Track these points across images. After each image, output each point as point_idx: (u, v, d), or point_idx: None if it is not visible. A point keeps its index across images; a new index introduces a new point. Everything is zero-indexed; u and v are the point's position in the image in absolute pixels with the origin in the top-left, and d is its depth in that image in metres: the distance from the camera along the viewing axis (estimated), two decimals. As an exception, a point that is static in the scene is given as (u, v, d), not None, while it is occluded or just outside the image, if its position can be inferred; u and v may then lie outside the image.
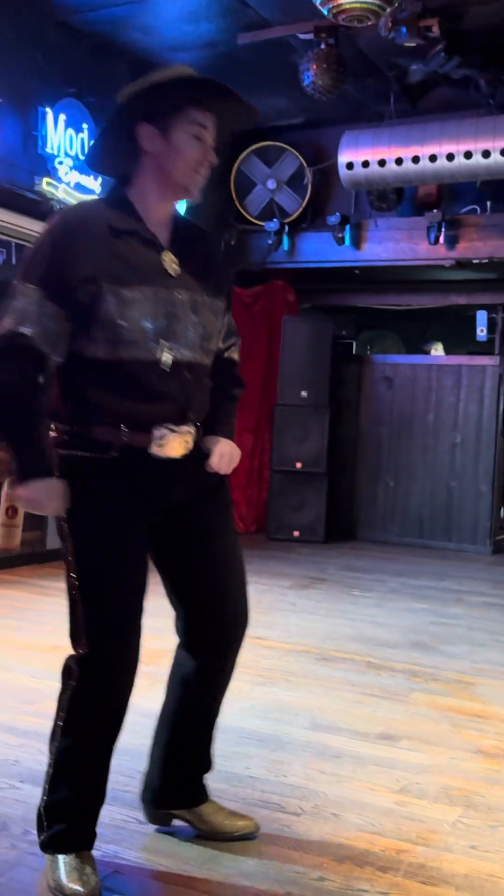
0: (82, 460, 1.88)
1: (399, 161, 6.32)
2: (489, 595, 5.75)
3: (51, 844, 1.98)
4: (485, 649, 4.29)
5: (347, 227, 7.32)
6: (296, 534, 7.62)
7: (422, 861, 2.17)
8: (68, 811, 1.98)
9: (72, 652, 1.97)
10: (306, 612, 4.95)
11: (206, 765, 2.25)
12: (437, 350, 8.79)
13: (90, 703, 1.95)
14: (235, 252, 7.77)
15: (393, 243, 7.37)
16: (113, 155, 1.94)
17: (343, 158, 6.55)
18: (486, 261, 7.13)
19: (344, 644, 4.22)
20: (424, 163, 6.23)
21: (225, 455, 2.07)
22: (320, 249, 7.58)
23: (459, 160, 6.12)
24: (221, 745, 2.83)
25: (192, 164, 1.90)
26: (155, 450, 1.91)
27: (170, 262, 1.92)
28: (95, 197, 2.17)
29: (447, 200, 7.31)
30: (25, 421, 1.81)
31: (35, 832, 2.06)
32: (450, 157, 6.14)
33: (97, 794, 2.02)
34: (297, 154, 7.44)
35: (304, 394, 7.66)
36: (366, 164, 6.44)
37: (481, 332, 8.02)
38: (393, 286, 8.38)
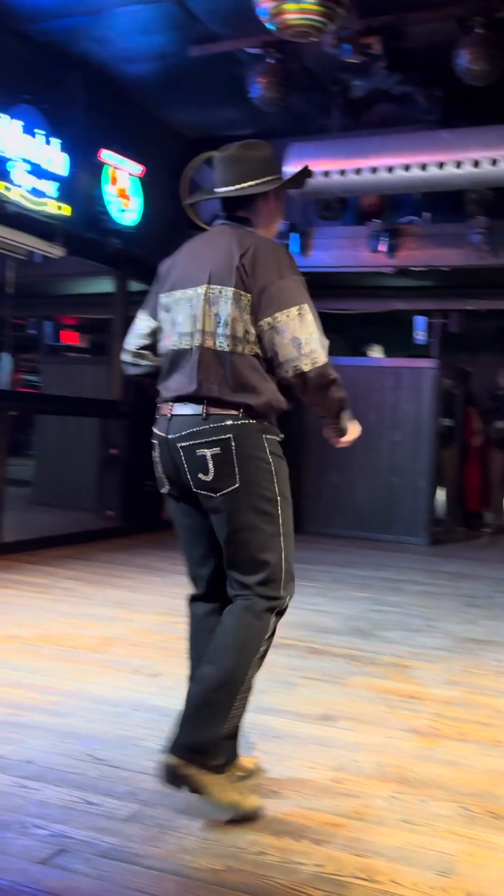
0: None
1: (343, 172, 6.36)
2: (425, 584, 5.83)
3: (224, 766, 2.19)
4: (420, 635, 4.34)
5: (294, 235, 7.35)
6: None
7: (356, 835, 2.19)
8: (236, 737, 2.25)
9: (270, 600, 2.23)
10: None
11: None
12: (375, 353, 8.88)
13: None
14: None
15: (337, 251, 7.42)
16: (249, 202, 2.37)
17: (289, 169, 6.56)
18: (424, 269, 7.22)
19: (288, 631, 4.21)
20: (366, 174, 6.29)
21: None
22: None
23: (399, 172, 6.18)
24: (168, 728, 2.82)
25: (281, 218, 2.41)
26: None
27: None
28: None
29: (388, 211, 7.40)
30: None
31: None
32: (390, 169, 6.20)
33: None
34: (247, 164, 7.45)
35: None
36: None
37: (420, 336, 8.13)
38: (337, 291, 8.44)
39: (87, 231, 6.63)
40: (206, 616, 2.33)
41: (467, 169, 6.01)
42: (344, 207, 7.27)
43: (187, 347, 2.23)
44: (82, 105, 6.54)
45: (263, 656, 2.25)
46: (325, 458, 8.03)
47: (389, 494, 7.80)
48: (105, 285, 7.64)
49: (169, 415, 2.25)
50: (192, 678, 2.28)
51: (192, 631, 2.36)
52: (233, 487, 2.18)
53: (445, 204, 7.07)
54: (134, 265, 7.20)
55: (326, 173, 6.42)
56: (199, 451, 2.18)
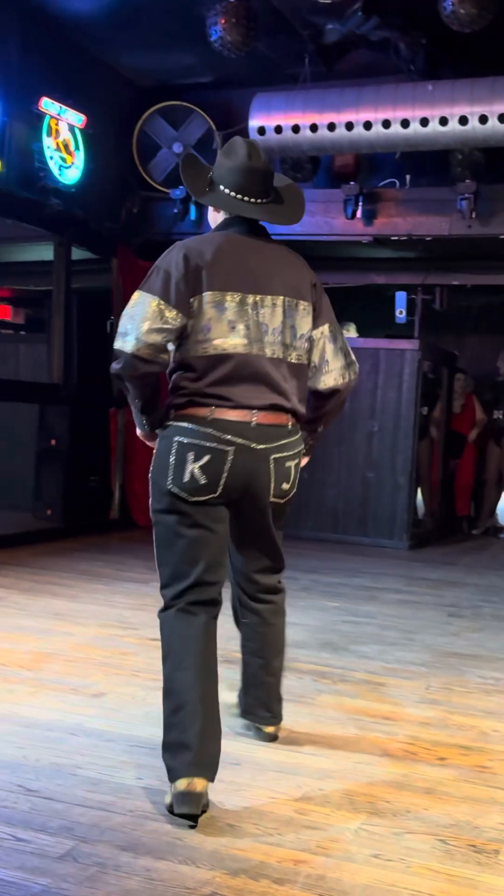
0: None
1: (314, 128, 6.37)
2: (404, 592, 5.88)
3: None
4: (396, 648, 4.38)
5: (259, 197, 7.34)
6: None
7: (321, 872, 2.21)
8: None
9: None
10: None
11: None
12: (350, 332, 8.92)
13: None
14: (138, 221, 7.72)
15: (308, 216, 7.41)
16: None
17: (254, 122, 6.57)
18: (405, 238, 7.26)
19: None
20: (341, 130, 6.31)
21: None
22: (230, 221, 7.57)
23: (377, 129, 6.22)
24: (110, 755, 2.82)
25: None
26: None
27: None
28: None
29: (365, 172, 7.42)
30: None
31: None
32: (367, 125, 6.22)
33: None
34: (206, 116, 7.42)
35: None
36: (279, 129, 6.48)
37: (400, 314, 8.17)
38: (309, 263, 8.44)
39: (22, 190, 6.57)
40: (212, 620, 2.60)
41: (453, 126, 6.05)
42: (315, 168, 7.28)
43: (261, 354, 2.55)
44: (16, 46, 6.47)
45: None
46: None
47: (365, 492, 7.85)
48: (43, 252, 7.57)
49: (253, 422, 2.54)
50: (204, 689, 2.52)
51: (202, 638, 2.54)
52: (294, 492, 2.72)
53: (429, 166, 7.12)
54: (77, 229, 7.14)
55: (296, 129, 6.43)
56: (287, 463, 2.64)
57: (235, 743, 3.00)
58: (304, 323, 2.63)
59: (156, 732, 3.03)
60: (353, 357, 2.76)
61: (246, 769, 2.80)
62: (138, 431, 2.73)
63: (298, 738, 3.09)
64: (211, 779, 2.44)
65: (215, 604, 2.59)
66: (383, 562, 7.03)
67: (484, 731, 3.29)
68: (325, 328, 2.69)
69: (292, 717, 3.29)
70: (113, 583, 5.55)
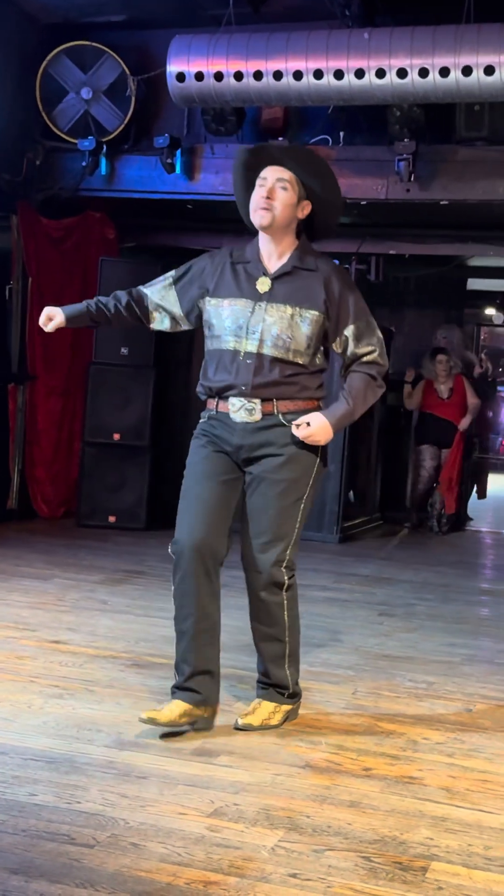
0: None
1: (239, 76, 6.35)
2: (331, 589, 5.95)
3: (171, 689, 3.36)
4: (322, 650, 4.44)
5: (178, 151, 7.31)
6: (112, 519, 7.61)
7: (233, 894, 2.23)
8: None
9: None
10: (118, 611, 4.99)
11: (261, 666, 3.47)
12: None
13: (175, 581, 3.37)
14: (41, 174, 7.60)
15: (229, 174, 7.40)
16: None
17: (173, 68, 6.52)
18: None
19: (161, 647, 4.25)
20: (268, 80, 6.29)
21: (304, 422, 3.27)
22: (146, 177, 7.53)
23: (308, 80, 6.22)
24: (1, 769, 2.80)
25: (250, 207, 3.33)
26: (231, 414, 3.33)
27: (262, 283, 3.33)
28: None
29: (295, 127, 7.43)
30: None
31: None
32: (297, 75, 6.22)
33: None
34: (119, 59, 7.34)
35: (124, 350, 7.63)
36: (200, 76, 6.44)
37: (332, 285, 8.22)
38: (233, 226, 8.39)
39: None
40: None
41: (391, 79, 6.09)
42: (240, 121, 7.25)
43: None
44: None
45: (174, 601, 3.36)
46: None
47: (292, 480, 7.88)
48: None
49: None
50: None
51: None
52: None
53: (364, 122, 7.15)
54: (-29, 183, 7.01)
55: (218, 76, 6.40)
56: None
57: (141, 754, 3.01)
58: None
59: (53, 744, 3.03)
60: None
61: (152, 783, 2.81)
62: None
63: (212, 748, 3.11)
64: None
65: None
66: (310, 557, 7.08)
67: (413, 738, 3.36)
68: None
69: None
70: (9, 579, 5.50)
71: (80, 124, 7.46)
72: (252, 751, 3.12)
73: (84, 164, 7.41)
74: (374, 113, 6.94)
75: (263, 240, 3.36)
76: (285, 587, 3.38)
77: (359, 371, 3.39)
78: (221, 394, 3.34)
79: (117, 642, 4.35)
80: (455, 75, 5.97)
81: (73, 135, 7.46)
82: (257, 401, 3.29)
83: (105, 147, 7.44)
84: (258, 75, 6.33)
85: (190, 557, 3.26)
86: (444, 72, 5.98)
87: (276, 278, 3.33)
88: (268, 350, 3.28)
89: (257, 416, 3.29)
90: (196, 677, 3.27)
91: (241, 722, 3.34)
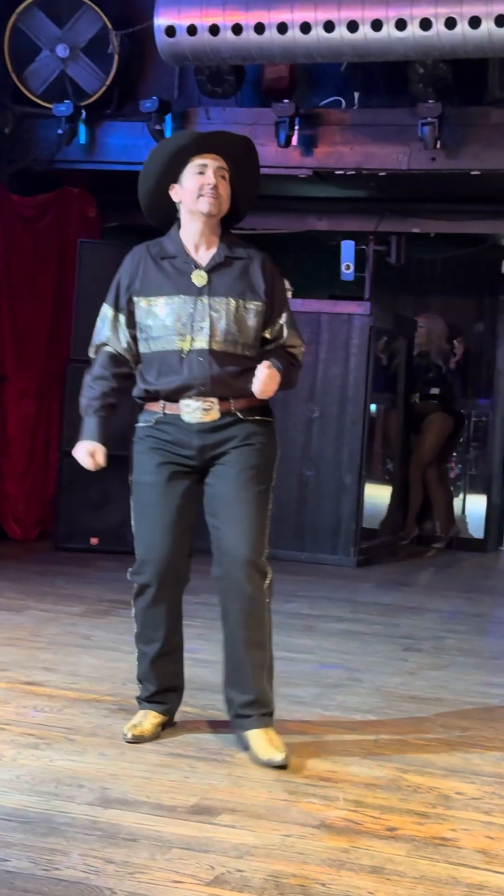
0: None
1: (237, 29, 6.37)
2: (349, 620, 5.93)
3: (138, 699, 3.79)
4: (338, 692, 4.43)
5: (168, 116, 7.33)
6: (94, 541, 7.60)
7: None
8: None
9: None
10: (104, 647, 4.96)
11: (248, 690, 3.58)
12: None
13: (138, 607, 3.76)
14: (11, 144, 7.62)
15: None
16: (166, 211, 3.67)
17: (161, 21, 6.54)
18: (352, 172, 7.31)
19: (151, 689, 4.26)
20: (271, 33, 6.32)
21: (259, 379, 3.48)
22: (131, 146, 7.55)
23: (318, 33, 6.24)
24: (-32, 832, 2.79)
25: (195, 192, 3.52)
26: (184, 416, 3.55)
27: (197, 276, 3.56)
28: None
29: (302, 88, 7.46)
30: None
31: None
32: (305, 27, 6.25)
33: None
34: (99, 11, 7.37)
35: (106, 347, 7.62)
36: (192, 30, 6.46)
37: (347, 269, 8.24)
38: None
39: None
40: None
41: (413, 31, 6.11)
42: (239, 81, 7.28)
43: None
44: None
45: (135, 617, 3.75)
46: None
47: (302, 495, 7.90)
48: None
49: None
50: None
51: None
52: None
53: (383, 82, 7.18)
54: None
55: (214, 30, 6.42)
56: None
57: (130, 813, 3.00)
58: None
59: (28, 802, 3.02)
60: None
61: (143, 846, 2.80)
62: None
63: (212, 805, 3.10)
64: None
65: None
66: (323, 583, 7.08)
67: (445, 793, 3.34)
68: None
69: (205, 779, 3.31)
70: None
71: (55, 87, 7.49)
72: (258, 808, 3.11)
73: (60, 131, 7.44)
74: (394, 71, 6.96)
75: (192, 231, 3.60)
76: (268, 580, 3.62)
77: (285, 357, 3.67)
78: (171, 396, 3.55)
79: (101, 683, 4.32)
80: (487, 26, 6.00)
81: (47, 98, 7.48)
82: (214, 399, 3.54)
83: (84, 112, 7.46)
84: (260, 28, 6.35)
85: (156, 585, 3.60)
86: (475, 22, 6.01)
87: (211, 270, 3.58)
88: (218, 346, 3.53)
89: (215, 414, 3.54)
90: (160, 693, 3.72)
91: (280, 758, 3.46)
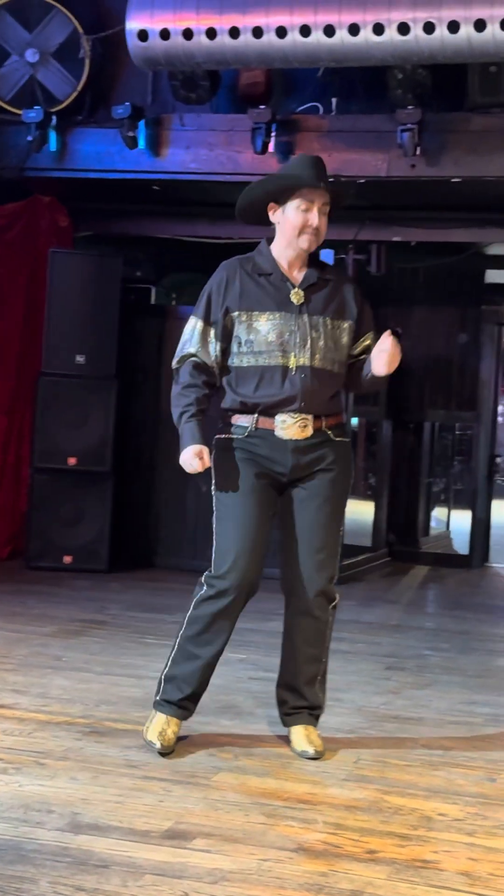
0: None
1: (211, 33, 6.38)
2: (334, 640, 5.93)
3: (159, 702, 3.84)
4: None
5: (142, 123, 7.34)
6: (67, 560, 7.60)
7: None
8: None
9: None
10: (75, 668, 4.97)
11: (301, 698, 3.95)
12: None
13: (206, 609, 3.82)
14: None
15: (206, 150, 7.45)
16: (258, 218, 3.97)
17: (133, 24, 6.55)
18: (331, 179, 7.30)
19: (126, 711, 4.26)
20: (246, 37, 6.32)
21: (383, 349, 3.69)
22: (103, 153, 7.55)
23: (294, 37, 6.25)
24: None
25: (297, 229, 3.78)
26: (278, 432, 3.78)
27: (295, 295, 3.81)
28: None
29: (279, 94, 7.47)
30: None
31: None
32: (280, 31, 6.26)
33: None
34: (70, 15, 7.38)
35: (80, 358, 7.63)
36: (165, 34, 6.47)
37: (326, 278, 8.25)
38: (207, 210, 8.45)
39: None
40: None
41: (391, 36, 6.13)
42: (214, 87, 7.29)
43: None
44: None
45: (193, 622, 3.83)
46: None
47: (281, 510, 7.89)
48: None
49: None
50: None
51: None
52: None
53: (361, 87, 7.20)
54: None
55: (188, 34, 6.43)
56: None
57: (102, 838, 2.99)
58: None
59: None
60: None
61: (115, 872, 2.79)
62: None
63: (186, 829, 3.09)
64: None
65: None
66: (304, 600, 7.08)
67: (427, 814, 3.34)
68: None
69: (179, 802, 3.31)
70: None
71: (24, 92, 7.49)
72: (234, 832, 3.10)
73: (30, 138, 7.42)
74: (373, 76, 6.99)
75: (287, 253, 3.85)
76: (335, 603, 4.00)
77: None
78: (268, 410, 3.78)
79: (73, 706, 4.32)
80: (466, 31, 6.02)
81: (16, 104, 7.48)
82: (310, 416, 3.78)
83: (55, 118, 7.46)
84: (234, 32, 6.36)
85: (235, 594, 3.77)
86: (454, 27, 6.03)
87: (306, 289, 3.83)
88: (318, 363, 3.79)
89: (309, 431, 3.78)
90: (192, 698, 3.84)
91: (312, 751, 3.82)
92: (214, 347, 3.81)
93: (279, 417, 3.76)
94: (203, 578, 3.83)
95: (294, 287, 3.82)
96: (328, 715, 4.37)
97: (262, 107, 7.13)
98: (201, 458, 3.71)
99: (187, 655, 3.81)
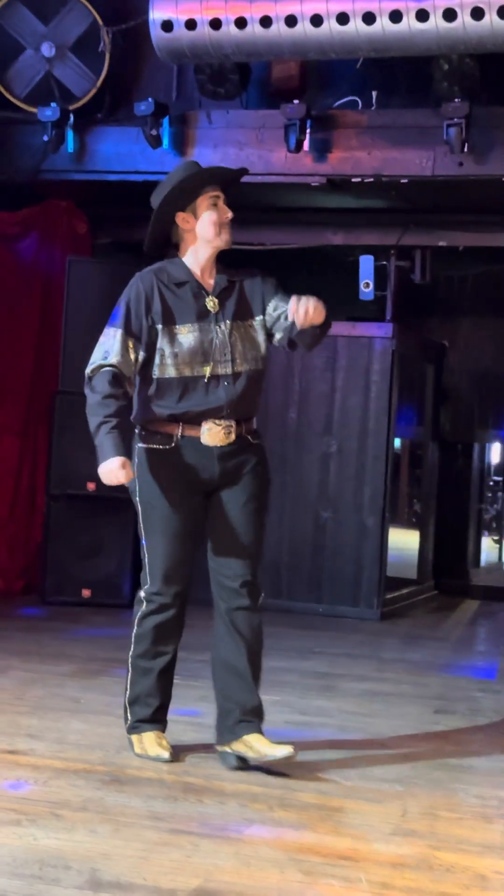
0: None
1: (241, 22, 6.41)
2: (372, 680, 5.90)
3: (133, 726, 4.23)
4: (361, 759, 4.39)
5: (166, 120, 7.37)
6: (86, 594, 7.59)
7: None
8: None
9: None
10: (95, 711, 4.95)
11: (254, 698, 4.19)
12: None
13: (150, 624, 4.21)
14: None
15: (235, 149, 7.46)
16: (164, 238, 4.27)
17: (157, 14, 6.59)
18: (371, 179, 7.33)
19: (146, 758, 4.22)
20: (279, 27, 6.35)
21: (301, 302, 3.99)
22: (125, 154, 7.59)
23: (330, 25, 6.27)
24: None
25: (216, 226, 4.14)
26: (203, 439, 4.11)
27: (211, 302, 4.17)
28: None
29: (315, 88, 7.48)
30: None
31: None
32: (316, 20, 6.28)
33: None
34: (88, 6, 7.43)
35: (98, 376, 7.63)
36: (191, 24, 6.50)
37: (366, 288, 8.24)
38: (236, 214, 8.44)
39: None
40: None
41: (436, 23, 6.14)
42: (244, 81, 7.32)
43: None
44: None
45: (140, 640, 4.23)
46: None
47: (319, 539, 7.87)
48: None
49: None
50: None
51: None
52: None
53: (403, 80, 7.21)
54: None
55: (215, 24, 6.46)
56: None
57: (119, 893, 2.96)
58: None
59: (9, 886, 3.00)
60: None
61: (140, 935, 2.76)
62: None
63: (217, 888, 3.05)
64: None
65: None
66: (344, 638, 7.04)
67: (481, 872, 3.29)
68: None
69: (210, 858, 3.26)
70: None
71: (40, 89, 7.53)
72: (268, 891, 3.06)
73: (46, 138, 7.47)
74: (416, 67, 6.99)
75: (201, 258, 4.19)
76: (261, 598, 4.29)
77: None
78: (195, 419, 4.11)
79: (92, 752, 4.30)
80: (518, 16, 6.02)
81: (31, 102, 7.53)
82: (233, 422, 4.14)
83: (73, 117, 7.51)
84: (266, 21, 6.39)
85: (177, 608, 4.19)
86: (504, 12, 6.03)
87: (218, 295, 4.19)
88: (239, 368, 4.16)
89: (233, 437, 4.14)
90: (162, 709, 4.26)
91: (286, 751, 4.03)
92: (135, 358, 4.10)
93: (205, 425, 4.10)
94: (142, 594, 4.21)
95: (208, 295, 4.17)
96: (371, 763, 4.35)
97: (295, 102, 7.15)
98: (125, 469, 3.98)
99: (142, 672, 4.22)
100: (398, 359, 8.03)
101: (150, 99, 7.26)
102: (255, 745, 4.06)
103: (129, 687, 4.25)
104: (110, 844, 3.33)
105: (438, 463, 9.84)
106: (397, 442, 9.74)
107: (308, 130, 7.17)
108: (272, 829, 3.54)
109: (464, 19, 6.07)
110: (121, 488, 7.68)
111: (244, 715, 4.12)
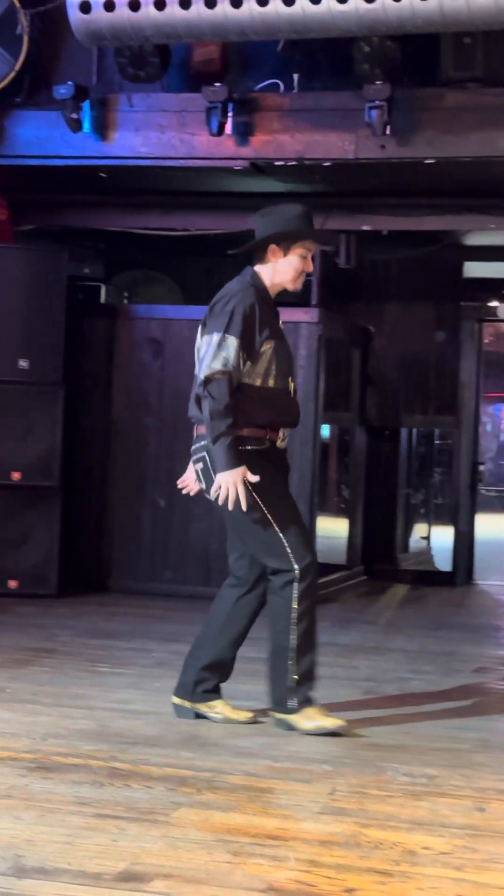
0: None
1: (160, 4, 6.38)
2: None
3: (303, 702, 4.52)
4: (290, 741, 4.40)
5: (86, 104, 7.33)
6: (13, 584, 7.55)
7: None
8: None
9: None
10: (21, 700, 4.93)
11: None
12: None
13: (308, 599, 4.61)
14: None
15: (156, 132, 7.43)
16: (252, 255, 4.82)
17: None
18: (293, 163, 7.33)
19: (76, 745, 4.20)
20: (199, 8, 6.33)
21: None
22: (44, 138, 7.54)
23: (251, 7, 6.26)
24: None
25: (297, 274, 4.71)
26: (279, 443, 4.69)
27: (280, 322, 4.79)
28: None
29: (236, 71, 7.47)
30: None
31: None
32: (236, 1, 6.26)
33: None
34: (5, -14, 7.36)
35: (23, 363, 7.59)
36: (110, 6, 6.46)
37: (292, 273, 8.23)
38: (160, 200, 8.44)
39: None
40: (237, 600, 4.83)
41: (356, 4, 6.14)
42: (165, 63, 7.29)
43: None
44: None
45: (302, 618, 4.54)
46: (145, 471, 8.00)
47: (246, 525, 7.85)
48: None
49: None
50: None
51: (227, 612, 4.86)
52: (218, 497, 4.50)
53: (324, 62, 7.22)
54: None
55: (134, 5, 6.42)
56: (195, 466, 4.73)
57: (50, 882, 2.93)
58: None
59: None
60: (203, 359, 4.52)
61: (65, 919, 2.73)
62: None
63: (144, 870, 3.03)
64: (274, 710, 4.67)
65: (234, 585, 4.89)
66: (273, 623, 7.05)
67: (410, 848, 3.30)
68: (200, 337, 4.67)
69: (137, 841, 3.24)
70: None
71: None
72: (196, 872, 3.04)
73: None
74: (337, 49, 7.00)
75: (275, 286, 4.70)
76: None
77: None
78: (276, 426, 4.60)
79: (18, 740, 4.27)
80: (438, -3, 6.04)
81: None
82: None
83: (-10, 101, 7.43)
84: (185, 3, 6.37)
85: (315, 573, 4.62)
86: (424, -7, 6.04)
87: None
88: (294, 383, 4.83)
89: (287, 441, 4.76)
90: (314, 685, 4.62)
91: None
92: (243, 368, 4.48)
93: (282, 432, 4.63)
94: (295, 574, 4.49)
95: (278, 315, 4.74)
96: (301, 744, 4.36)
97: (217, 85, 7.14)
98: (248, 473, 4.43)
99: (308, 648, 4.55)
100: (324, 344, 8.04)
101: (70, 82, 7.22)
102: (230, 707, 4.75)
103: (295, 667, 4.52)
104: (35, 831, 3.29)
105: (366, 448, 9.88)
106: (325, 428, 9.78)
107: (230, 113, 7.16)
108: (200, 812, 3.53)
109: (384, 1, 6.07)
110: (47, 478, 7.73)
111: (215, 686, 4.86)
